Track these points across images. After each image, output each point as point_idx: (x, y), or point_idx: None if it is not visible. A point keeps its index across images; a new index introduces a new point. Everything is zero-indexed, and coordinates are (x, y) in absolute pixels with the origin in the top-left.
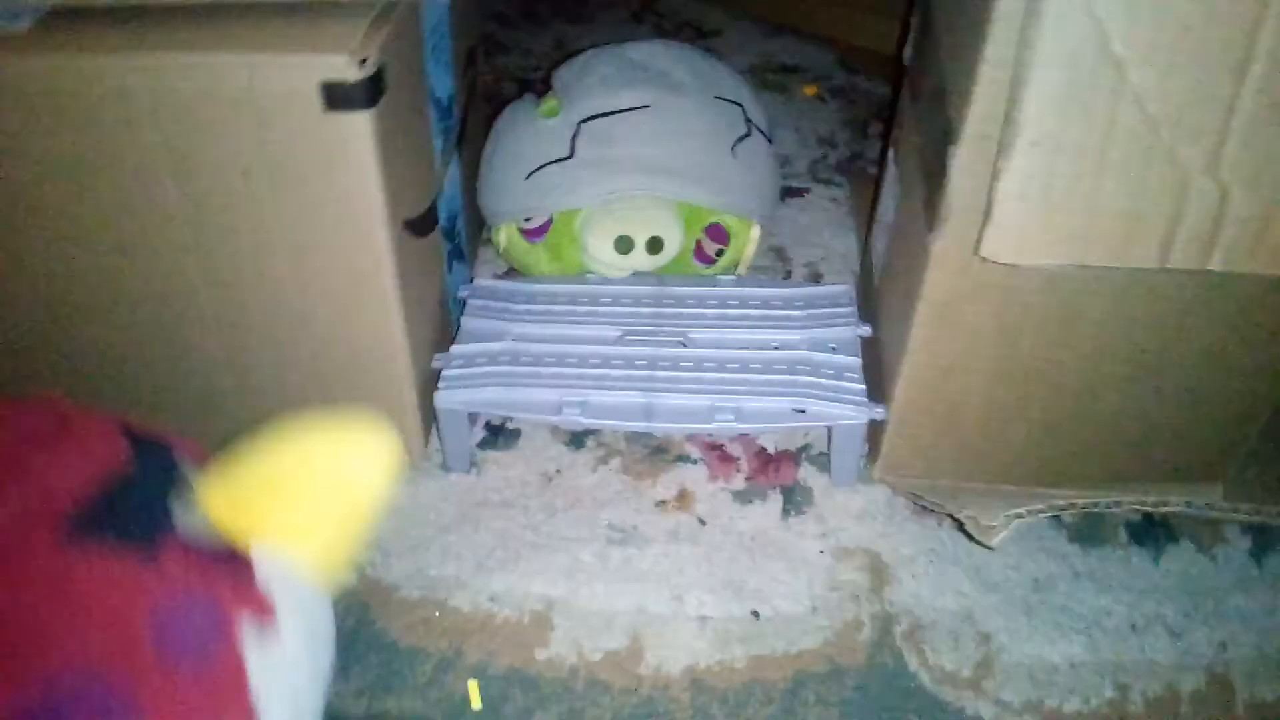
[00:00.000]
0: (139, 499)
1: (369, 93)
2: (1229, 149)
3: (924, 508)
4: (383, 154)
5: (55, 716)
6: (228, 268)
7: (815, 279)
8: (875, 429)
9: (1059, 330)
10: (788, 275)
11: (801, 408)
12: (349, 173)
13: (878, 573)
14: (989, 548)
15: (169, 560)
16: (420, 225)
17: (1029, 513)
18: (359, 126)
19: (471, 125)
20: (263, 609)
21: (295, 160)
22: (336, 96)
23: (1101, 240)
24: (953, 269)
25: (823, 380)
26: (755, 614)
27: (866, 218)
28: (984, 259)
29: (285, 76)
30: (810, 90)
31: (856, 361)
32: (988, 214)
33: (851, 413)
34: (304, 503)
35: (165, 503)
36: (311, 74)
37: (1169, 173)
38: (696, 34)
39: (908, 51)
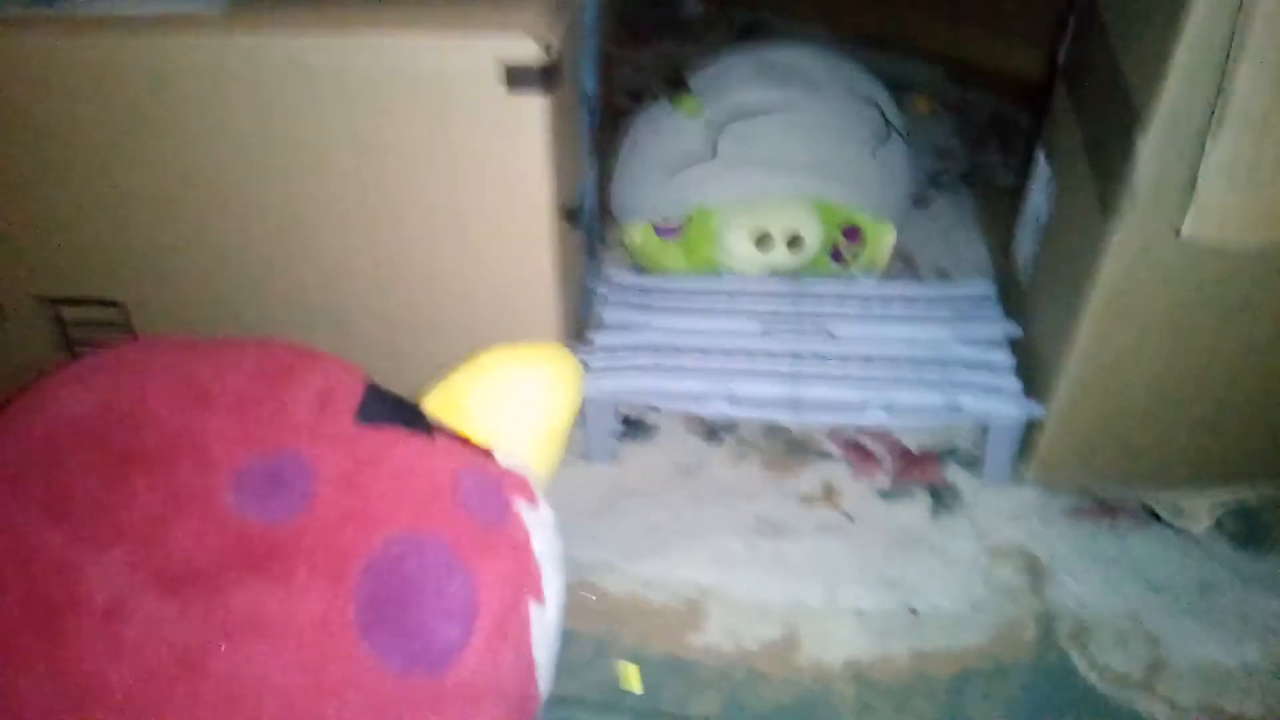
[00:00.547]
0: (396, 400)
1: (549, 77)
2: None
3: (1079, 509)
4: (554, 140)
5: (394, 562)
6: (395, 246)
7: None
8: (1030, 429)
9: (1236, 318)
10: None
11: (957, 403)
12: (522, 155)
13: (1036, 573)
14: (1192, 534)
15: (447, 443)
16: (573, 215)
17: (1234, 500)
18: (536, 110)
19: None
20: (529, 492)
21: (472, 141)
22: (519, 78)
23: None
24: (1130, 259)
25: (976, 376)
26: (913, 610)
27: (994, 227)
28: (1180, 237)
29: (470, 57)
30: (924, 104)
31: (1009, 358)
32: (1193, 193)
33: (1010, 408)
34: (510, 420)
35: (415, 408)
36: (497, 55)
37: None
38: None
39: (1063, 54)
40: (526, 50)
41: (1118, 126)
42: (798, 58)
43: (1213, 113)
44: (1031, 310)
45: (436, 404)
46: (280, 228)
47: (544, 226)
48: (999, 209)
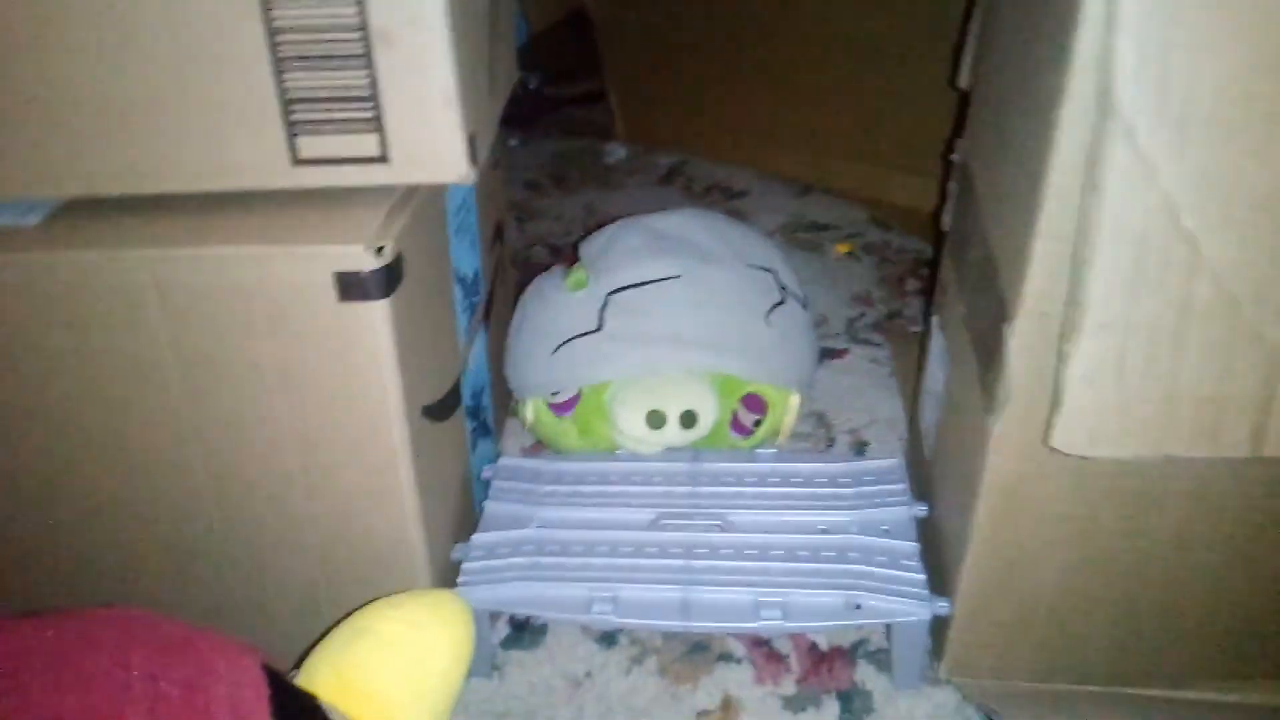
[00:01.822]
0: (301, 698)
1: (385, 281)
2: None
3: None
4: (400, 342)
5: None
6: (234, 465)
7: (860, 447)
8: (940, 623)
9: (1138, 517)
10: (831, 443)
11: (857, 602)
12: (363, 363)
13: None
14: None
15: None
16: (440, 409)
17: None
18: (375, 316)
19: (500, 296)
20: None
21: (307, 353)
22: (351, 287)
23: (1184, 428)
24: (1016, 453)
25: (877, 569)
26: None
27: (911, 379)
28: (1047, 446)
29: (298, 268)
30: (843, 248)
31: (914, 547)
32: (1056, 402)
33: (913, 608)
34: (406, 691)
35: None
36: (326, 265)
37: (1256, 353)
38: (725, 195)
39: (946, 216)
40: (357, 257)
41: (991, 311)
42: (686, 226)
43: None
44: (936, 485)
45: (325, 685)
46: (108, 451)
47: (396, 432)
48: (915, 361)
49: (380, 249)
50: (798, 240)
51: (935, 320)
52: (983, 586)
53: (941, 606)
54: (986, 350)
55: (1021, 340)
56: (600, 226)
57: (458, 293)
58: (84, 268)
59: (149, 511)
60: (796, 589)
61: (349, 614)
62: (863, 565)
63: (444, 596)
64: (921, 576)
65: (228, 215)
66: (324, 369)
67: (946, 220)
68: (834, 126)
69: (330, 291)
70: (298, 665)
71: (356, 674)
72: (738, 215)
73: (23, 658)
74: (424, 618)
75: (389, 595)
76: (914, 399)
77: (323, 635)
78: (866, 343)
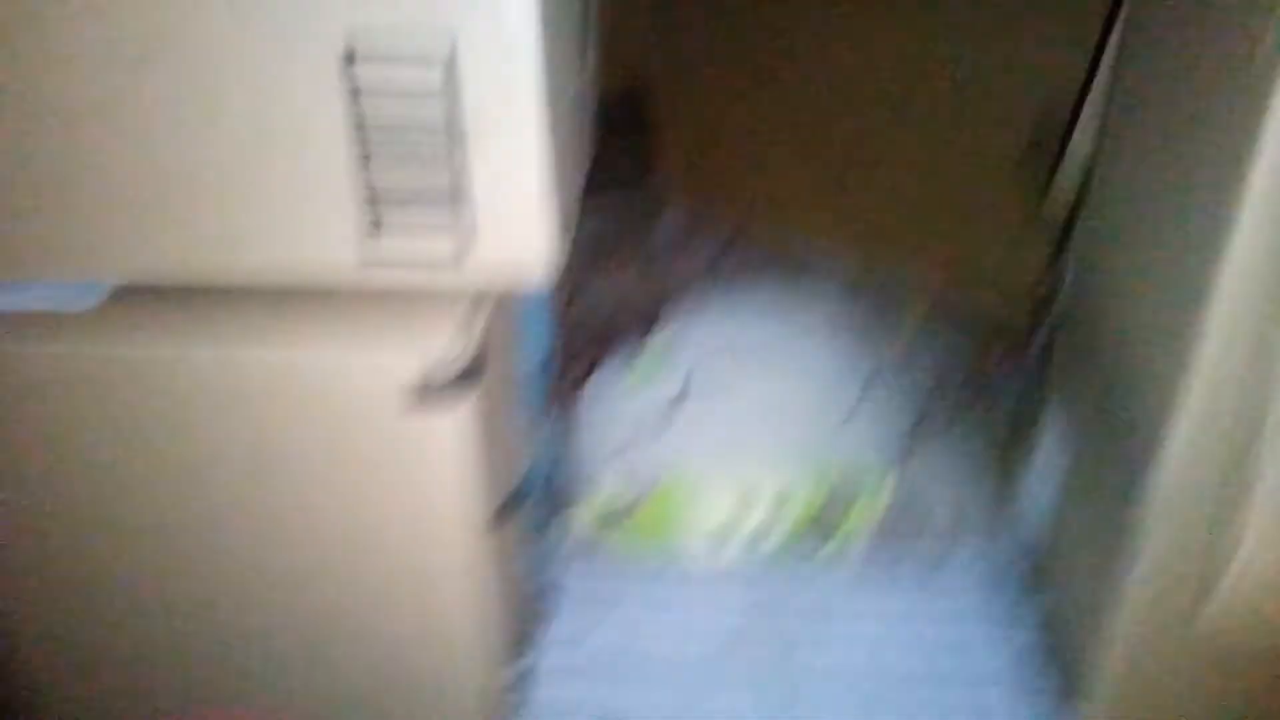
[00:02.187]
0: None
1: (463, 385)
2: None
3: None
4: (478, 444)
5: None
6: (282, 569)
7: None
8: None
9: None
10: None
11: None
12: (438, 468)
13: None
14: None
15: None
16: (510, 508)
17: None
18: (451, 420)
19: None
20: None
21: (379, 455)
22: (426, 393)
23: None
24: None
25: (997, 694)
26: None
27: (1003, 463)
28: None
29: (365, 375)
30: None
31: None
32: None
33: None
34: None
35: None
36: (397, 371)
37: None
38: (784, 268)
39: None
40: (434, 362)
41: (1122, 434)
42: (771, 297)
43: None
44: (1053, 575)
45: None
46: (146, 554)
47: (464, 541)
48: (1008, 441)
49: (457, 354)
50: (867, 309)
51: (1054, 399)
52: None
53: None
54: (1121, 476)
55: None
56: (654, 308)
57: (524, 388)
58: (135, 364)
59: (189, 610)
60: None
61: None
62: (980, 689)
63: None
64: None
65: (301, 308)
66: (397, 473)
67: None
68: (900, 188)
69: (401, 399)
70: None
71: None
72: (799, 288)
73: None
74: None
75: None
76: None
77: None
78: (951, 422)
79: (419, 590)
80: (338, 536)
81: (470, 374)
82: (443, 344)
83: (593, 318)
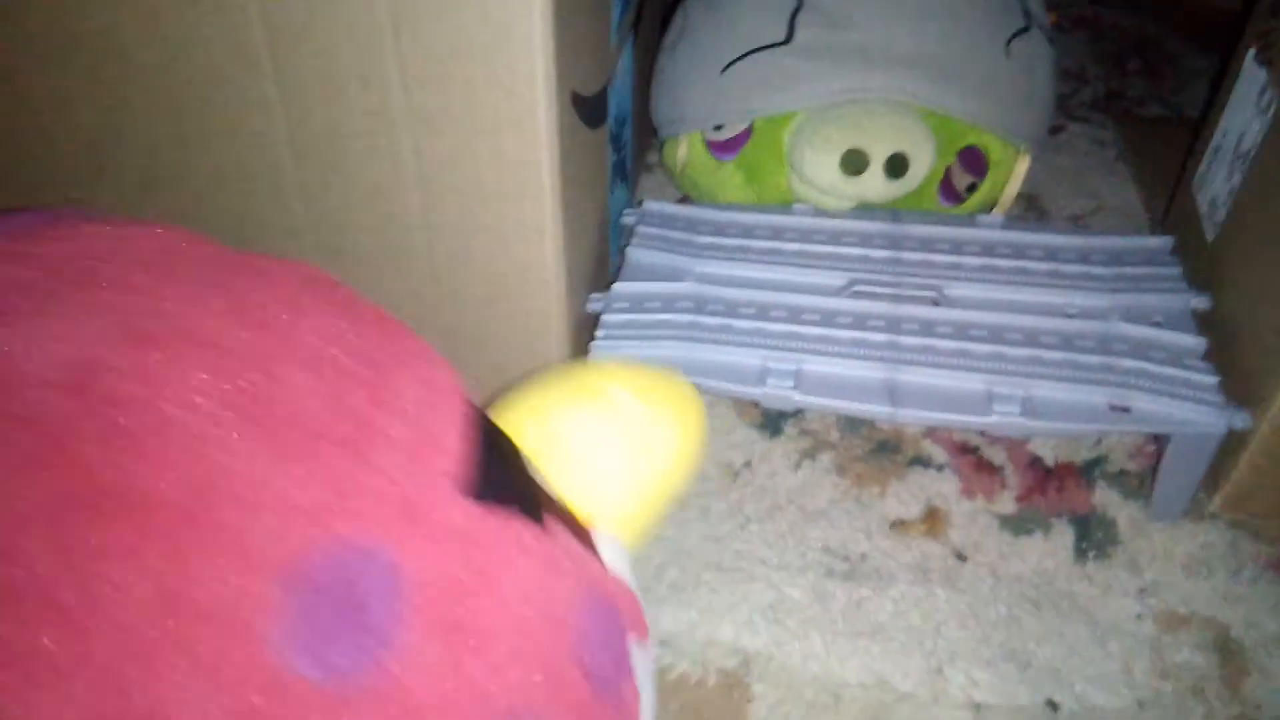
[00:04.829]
0: (509, 453)
1: None
2: None
3: None
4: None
5: None
6: (322, 135)
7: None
8: (1225, 444)
9: None
10: None
11: (1124, 403)
12: (511, 22)
13: (1228, 655)
14: None
15: (559, 537)
16: (590, 108)
17: None
18: None
19: (650, 6)
20: (641, 625)
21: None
22: None
23: None
24: None
25: (1152, 366)
26: (1052, 705)
27: (1144, 164)
28: None
29: None
30: (1051, 18)
31: (1200, 342)
32: None
33: (1204, 416)
34: (619, 466)
35: (523, 464)
36: None
37: None
38: None
39: None
40: None
41: None
42: None
43: None
44: (1225, 274)
45: (525, 436)
46: (196, 137)
47: (543, 117)
48: (1148, 145)
49: None
50: None
51: (1251, 54)
52: None
53: (1243, 418)
54: None
55: None
56: None
57: None
58: None
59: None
60: (1042, 380)
61: (547, 368)
62: (1132, 360)
63: (677, 380)
64: (1214, 379)
65: None
66: (460, 35)
67: None
68: None
69: None
70: None
71: (574, 437)
72: None
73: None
74: (662, 396)
75: (508, 347)
76: (1154, 185)
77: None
78: (1085, 121)
79: (496, 175)
80: (396, 95)
81: None
82: None
83: None
